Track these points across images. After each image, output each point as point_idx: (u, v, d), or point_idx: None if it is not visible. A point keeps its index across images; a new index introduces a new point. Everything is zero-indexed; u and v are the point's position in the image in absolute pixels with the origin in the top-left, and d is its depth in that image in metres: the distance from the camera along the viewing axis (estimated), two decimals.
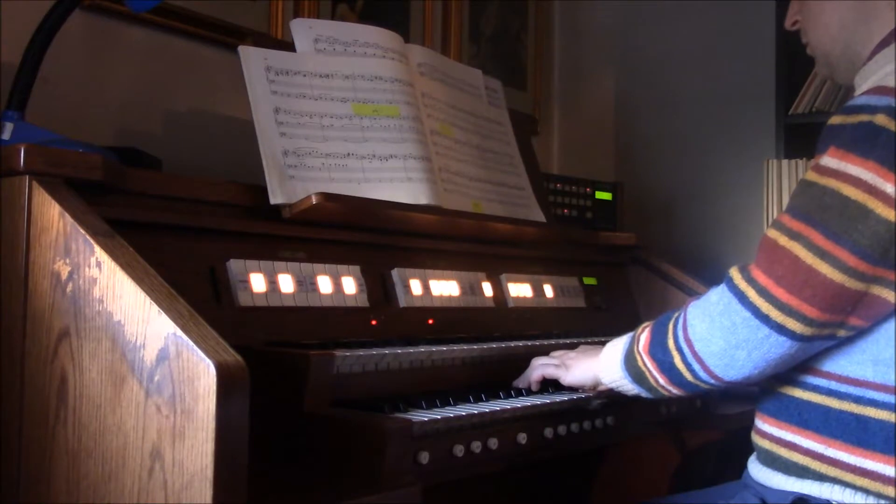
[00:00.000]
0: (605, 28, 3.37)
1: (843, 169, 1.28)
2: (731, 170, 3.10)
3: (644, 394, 1.48)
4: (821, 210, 1.28)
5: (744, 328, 1.30)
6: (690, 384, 1.40)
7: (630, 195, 2.97)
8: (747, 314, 1.30)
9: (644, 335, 1.46)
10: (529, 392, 1.66)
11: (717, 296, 1.35)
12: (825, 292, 1.25)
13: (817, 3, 1.54)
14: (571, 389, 1.65)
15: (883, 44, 1.43)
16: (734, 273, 1.35)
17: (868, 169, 1.26)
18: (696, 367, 1.36)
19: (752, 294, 1.30)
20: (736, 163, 3.09)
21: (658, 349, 1.41)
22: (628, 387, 1.49)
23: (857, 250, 1.24)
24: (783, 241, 1.30)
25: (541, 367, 1.67)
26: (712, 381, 1.37)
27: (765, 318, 1.28)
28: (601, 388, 1.59)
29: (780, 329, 1.27)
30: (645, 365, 1.44)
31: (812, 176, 1.33)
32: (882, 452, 1.30)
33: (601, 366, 1.55)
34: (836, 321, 1.28)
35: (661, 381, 1.43)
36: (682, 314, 1.39)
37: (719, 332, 1.32)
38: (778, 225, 1.33)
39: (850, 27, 1.49)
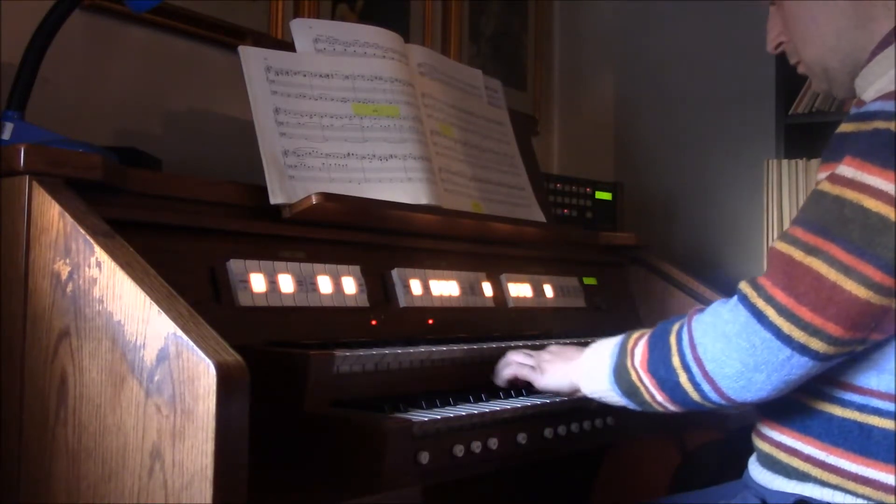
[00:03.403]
0: (605, 28, 3.38)
1: (861, 179, 1.23)
2: (731, 170, 3.11)
3: (632, 406, 1.43)
4: (840, 223, 1.23)
5: (764, 350, 1.24)
6: (695, 403, 1.34)
7: (630, 195, 2.97)
8: (768, 335, 1.24)
9: (640, 350, 1.39)
10: (530, 392, 1.65)
11: (731, 313, 1.28)
12: (850, 309, 1.20)
13: (807, 18, 1.47)
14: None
15: (884, 43, 1.39)
16: (747, 289, 1.28)
17: (888, 179, 1.21)
18: (706, 387, 1.30)
19: (771, 313, 1.24)
20: (736, 163, 3.09)
21: (659, 366, 1.35)
22: (615, 399, 1.44)
23: (882, 265, 1.20)
24: (799, 256, 1.24)
25: (515, 367, 1.61)
26: (722, 402, 1.31)
27: (787, 339, 1.23)
28: (578, 395, 1.53)
29: (803, 350, 1.22)
30: (640, 381, 1.38)
31: (826, 186, 1.27)
32: (884, 461, 1.28)
33: (581, 374, 1.49)
34: (859, 338, 1.24)
35: (659, 397, 1.37)
36: (687, 330, 1.33)
37: (736, 354, 1.26)
38: (790, 239, 1.27)
39: (849, 34, 1.43)
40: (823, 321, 1.21)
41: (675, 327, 1.36)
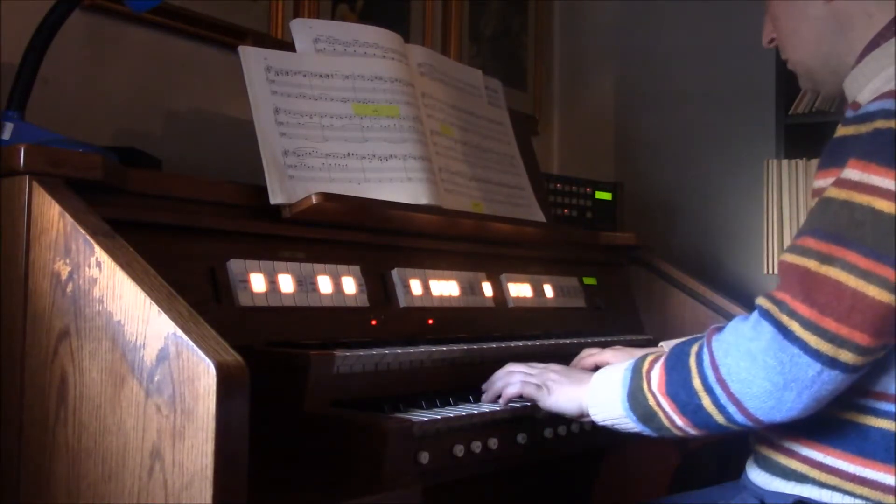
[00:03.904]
0: (605, 28, 3.37)
1: (868, 181, 1.21)
2: (731, 170, 3.10)
3: (648, 433, 1.37)
4: (852, 228, 1.21)
5: (792, 366, 1.20)
6: (719, 426, 1.29)
7: (630, 195, 2.97)
8: (795, 350, 1.20)
9: (656, 373, 1.33)
10: None
11: (753, 331, 1.24)
12: (874, 315, 1.18)
13: (789, 23, 1.50)
14: None
15: (872, 45, 1.40)
16: (768, 305, 1.24)
17: (892, 178, 1.20)
18: (732, 409, 1.26)
19: (796, 328, 1.20)
20: (736, 163, 3.09)
21: (680, 390, 1.30)
22: (629, 425, 1.38)
23: None
24: (815, 266, 1.22)
25: (520, 385, 1.52)
26: (749, 424, 1.27)
27: (815, 354, 1.19)
28: (586, 419, 1.47)
29: (833, 363, 1.20)
30: (659, 405, 1.32)
31: (832, 192, 1.25)
32: (882, 462, 1.27)
33: (593, 400, 1.42)
34: (882, 345, 1.22)
35: (680, 422, 1.32)
36: (707, 350, 1.28)
37: (763, 373, 1.22)
38: (801, 250, 1.25)
39: (828, 40, 1.45)
40: (850, 330, 1.19)
41: (694, 349, 1.31)
